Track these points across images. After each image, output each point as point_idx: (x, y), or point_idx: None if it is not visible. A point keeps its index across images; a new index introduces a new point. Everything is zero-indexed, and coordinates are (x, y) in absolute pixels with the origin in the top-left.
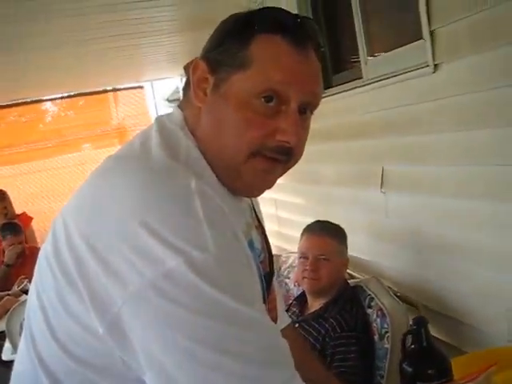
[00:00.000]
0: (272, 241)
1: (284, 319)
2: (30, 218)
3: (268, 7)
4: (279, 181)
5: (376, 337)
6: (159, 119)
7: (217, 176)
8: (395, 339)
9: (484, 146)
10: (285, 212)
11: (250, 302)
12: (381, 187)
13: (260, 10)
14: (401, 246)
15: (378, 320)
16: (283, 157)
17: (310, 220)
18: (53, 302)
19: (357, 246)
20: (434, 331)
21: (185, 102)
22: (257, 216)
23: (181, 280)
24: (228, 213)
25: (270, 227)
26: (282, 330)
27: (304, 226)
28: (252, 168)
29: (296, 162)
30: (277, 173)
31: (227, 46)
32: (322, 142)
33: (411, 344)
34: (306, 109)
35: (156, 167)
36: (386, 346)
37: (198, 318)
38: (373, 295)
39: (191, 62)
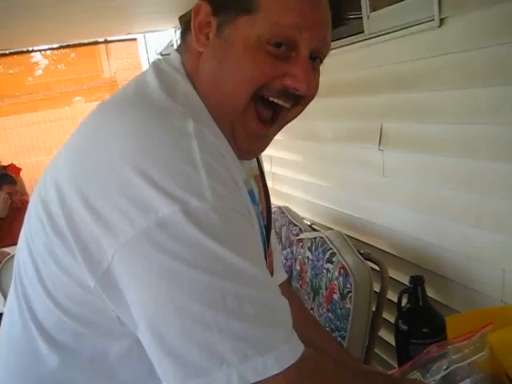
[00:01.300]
0: None
1: (280, 275)
2: (19, 169)
3: None
4: (275, 137)
5: (337, 296)
6: (156, 62)
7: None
8: (358, 299)
9: (489, 104)
10: (280, 169)
11: (251, 256)
12: (379, 145)
13: None
14: (397, 206)
15: (341, 278)
16: (289, 102)
17: (305, 177)
18: (43, 256)
19: (351, 204)
20: (429, 292)
21: (184, 47)
22: (260, 165)
23: (176, 230)
24: (228, 159)
25: None
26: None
27: (300, 183)
28: (250, 121)
29: (305, 105)
30: (271, 135)
31: None
32: (320, 98)
33: (407, 303)
34: (317, 56)
35: (151, 108)
36: (348, 306)
37: (194, 272)
38: (335, 250)
39: (188, 11)
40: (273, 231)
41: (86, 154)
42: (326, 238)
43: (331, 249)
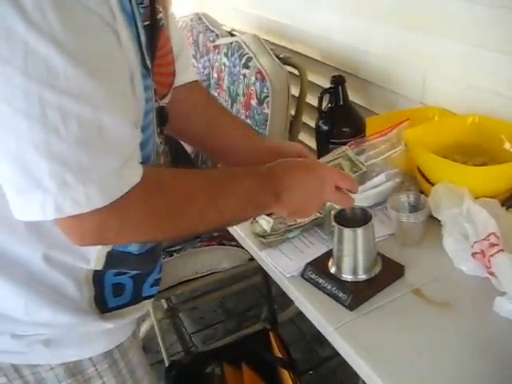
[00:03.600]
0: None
1: (186, 75)
2: None
3: None
4: None
5: (254, 101)
6: None
7: None
8: (275, 104)
9: None
10: None
11: (91, 65)
12: None
13: None
14: (322, 9)
15: (258, 84)
16: None
17: None
18: None
19: (274, 9)
20: (351, 96)
21: None
22: None
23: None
24: None
25: None
26: (185, 86)
27: None
28: None
29: None
30: None
31: None
32: None
33: (328, 103)
34: None
35: None
36: (266, 111)
37: (8, 71)
38: (251, 54)
39: None
40: (178, 29)
41: None
42: (242, 43)
43: (247, 53)
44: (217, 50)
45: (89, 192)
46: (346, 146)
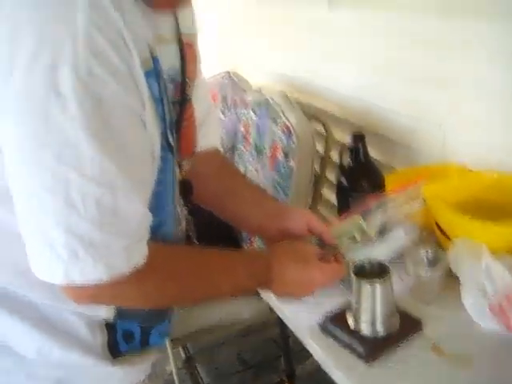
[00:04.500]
0: (215, 66)
1: (208, 141)
2: None
3: None
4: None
5: (280, 155)
6: None
7: None
8: (301, 158)
9: None
10: (228, 32)
11: (112, 152)
12: (328, 3)
13: None
14: (344, 67)
15: (284, 138)
16: None
17: (254, 41)
18: None
19: (298, 66)
20: (371, 152)
21: None
22: (179, 31)
23: (38, 99)
24: (126, 33)
25: (213, 50)
26: (203, 152)
27: (248, 47)
28: None
29: None
30: None
31: None
32: None
33: (348, 159)
34: None
35: None
36: (291, 164)
37: (42, 153)
38: (279, 110)
39: None
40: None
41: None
42: (270, 99)
43: (275, 109)
44: (245, 106)
45: (96, 266)
46: (359, 215)
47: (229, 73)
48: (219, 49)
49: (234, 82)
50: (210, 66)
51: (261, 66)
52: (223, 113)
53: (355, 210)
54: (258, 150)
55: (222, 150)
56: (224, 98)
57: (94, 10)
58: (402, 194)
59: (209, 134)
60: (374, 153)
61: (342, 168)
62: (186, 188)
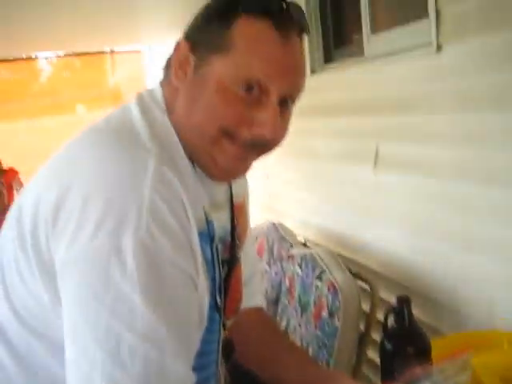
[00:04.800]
0: (262, 214)
1: (252, 301)
2: (16, 172)
3: None
4: (271, 153)
5: (325, 313)
6: (140, 96)
7: (193, 160)
8: (346, 318)
9: (484, 131)
10: (276, 185)
11: (166, 315)
12: (374, 165)
13: None
14: (389, 227)
15: (330, 296)
16: (258, 147)
17: (300, 195)
18: (10, 265)
19: (344, 222)
20: (416, 312)
21: (165, 81)
22: (231, 196)
23: (99, 262)
24: (186, 202)
25: (260, 200)
26: (249, 309)
27: (295, 200)
28: (224, 152)
29: (272, 150)
30: (250, 159)
31: (209, 27)
32: (318, 117)
33: (393, 323)
34: (287, 100)
35: (121, 144)
36: (336, 324)
37: (99, 309)
38: (324, 267)
39: (189, 27)
40: (252, 253)
41: (60, 175)
42: (315, 255)
43: (321, 266)
44: (290, 260)
45: None
46: None
47: (274, 224)
48: (266, 198)
49: (279, 235)
50: (256, 214)
51: (306, 219)
52: (268, 264)
53: (400, 379)
54: (302, 306)
55: (265, 303)
56: (270, 250)
57: (160, 182)
58: (449, 365)
59: (254, 294)
60: (420, 314)
61: (385, 331)
62: (228, 347)
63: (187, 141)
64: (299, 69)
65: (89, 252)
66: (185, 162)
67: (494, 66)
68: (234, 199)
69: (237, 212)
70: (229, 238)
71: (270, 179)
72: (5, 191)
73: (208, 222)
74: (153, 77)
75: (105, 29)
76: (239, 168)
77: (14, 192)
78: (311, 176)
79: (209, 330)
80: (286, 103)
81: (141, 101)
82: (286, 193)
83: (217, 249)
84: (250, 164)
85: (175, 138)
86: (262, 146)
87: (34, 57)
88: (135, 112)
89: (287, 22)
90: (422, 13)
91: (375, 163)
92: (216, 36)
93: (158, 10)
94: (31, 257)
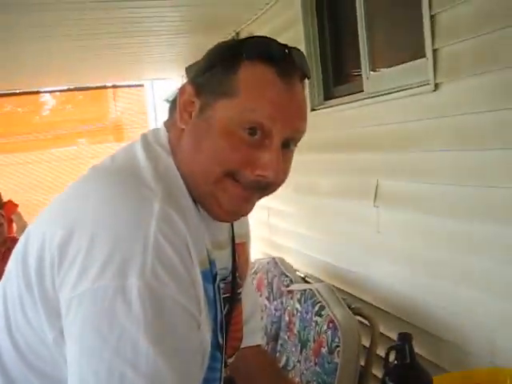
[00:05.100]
0: (262, 249)
1: (252, 339)
2: (15, 205)
3: (257, 36)
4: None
5: (325, 349)
6: (144, 137)
7: (196, 201)
8: (346, 355)
9: (482, 167)
10: (277, 220)
11: (169, 352)
12: (374, 201)
13: (248, 38)
14: (390, 262)
15: (329, 332)
16: (260, 188)
17: (301, 230)
18: (14, 305)
19: (344, 258)
20: (418, 349)
21: (170, 122)
22: (233, 235)
23: (103, 303)
24: (190, 242)
25: (261, 234)
26: (247, 349)
27: (295, 235)
28: (227, 193)
29: (274, 191)
30: (254, 200)
31: (214, 72)
32: (319, 153)
33: (394, 359)
34: (290, 142)
35: (126, 185)
36: (336, 360)
37: (103, 348)
38: (324, 303)
39: (194, 63)
40: (252, 291)
41: (66, 214)
42: (315, 291)
43: (320, 302)
44: (290, 295)
45: None
46: None
47: (274, 259)
48: (266, 233)
49: (279, 270)
50: (256, 248)
51: (306, 253)
52: (268, 299)
53: None
54: (302, 342)
55: (265, 339)
56: (270, 285)
57: (165, 222)
58: None
59: (254, 331)
60: (421, 350)
61: (387, 367)
62: None
63: (191, 182)
64: (301, 113)
65: (94, 291)
66: (188, 203)
67: (490, 103)
68: (235, 238)
69: (238, 251)
70: (230, 277)
71: (271, 214)
72: (5, 223)
73: (210, 261)
74: (154, 111)
75: (107, 64)
76: (243, 208)
77: (14, 225)
78: (311, 211)
79: (211, 369)
80: (288, 146)
81: (145, 141)
82: (286, 227)
83: (219, 287)
84: (253, 204)
85: (179, 179)
86: (265, 187)
87: (37, 90)
88: (140, 152)
89: (290, 69)
90: (419, 52)
91: (375, 199)
92: (221, 81)
93: (159, 47)
94: (36, 294)
